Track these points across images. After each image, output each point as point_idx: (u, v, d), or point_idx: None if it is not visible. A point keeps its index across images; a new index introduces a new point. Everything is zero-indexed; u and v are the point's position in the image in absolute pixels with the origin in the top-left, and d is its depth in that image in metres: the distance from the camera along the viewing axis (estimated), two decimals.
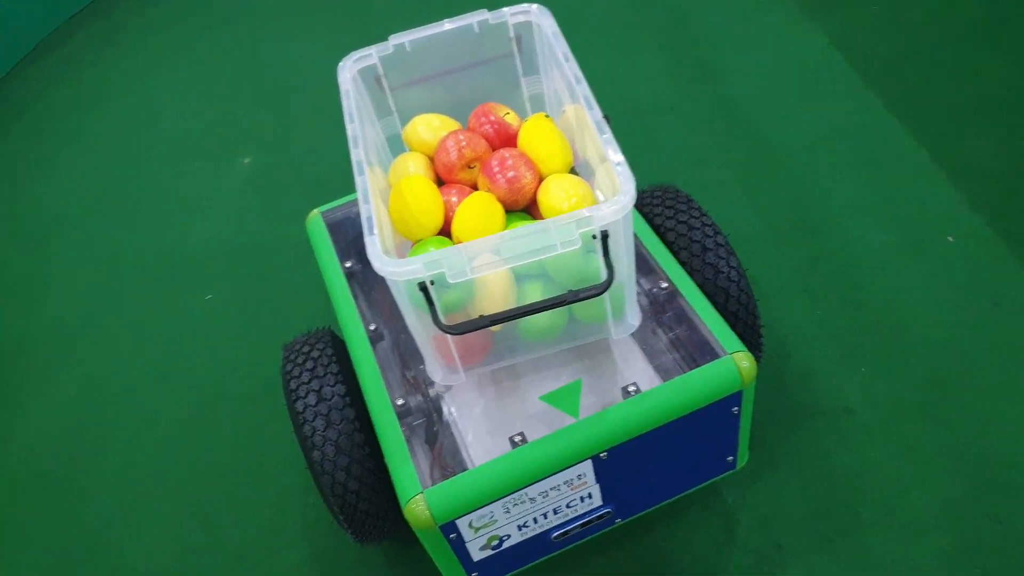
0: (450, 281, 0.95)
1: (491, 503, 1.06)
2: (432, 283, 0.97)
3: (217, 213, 2.18)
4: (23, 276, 2.13)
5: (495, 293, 1.03)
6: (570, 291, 0.97)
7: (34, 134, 2.60)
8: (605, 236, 0.96)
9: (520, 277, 1.09)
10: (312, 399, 1.23)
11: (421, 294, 0.98)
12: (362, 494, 1.22)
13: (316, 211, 1.49)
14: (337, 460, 1.20)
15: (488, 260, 0.95)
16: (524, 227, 0.95)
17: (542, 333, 1.11)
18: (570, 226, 0.94)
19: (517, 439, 1.08)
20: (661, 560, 1.36)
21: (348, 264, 1.38)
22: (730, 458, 1.25)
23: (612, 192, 1.01)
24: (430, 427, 1.16)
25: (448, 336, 1.05)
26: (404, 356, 1.24)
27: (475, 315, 1.03)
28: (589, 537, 1.24)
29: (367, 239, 0.99)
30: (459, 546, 1.10)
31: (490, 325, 0.96)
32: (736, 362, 1.10)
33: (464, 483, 1.05)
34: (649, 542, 1.38)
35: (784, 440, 1.47)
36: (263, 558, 1.47)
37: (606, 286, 0.96)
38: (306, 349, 1.32)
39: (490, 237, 0.94)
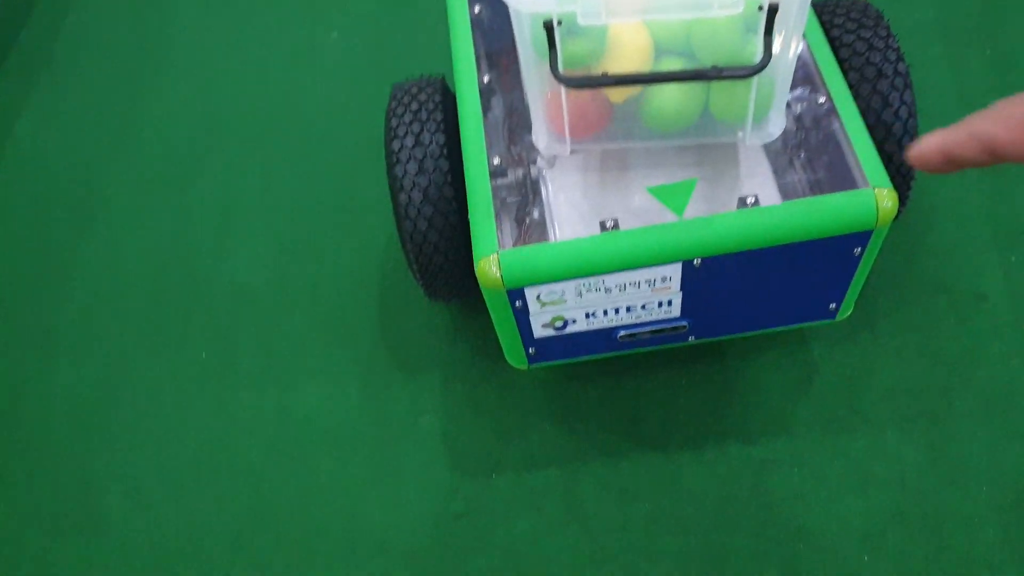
0: (581, 23, 0.83)
1: (564, 281, 1.00)
2: (560, 24, 0.85)
3: None
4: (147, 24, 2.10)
5: (628, 55, 0.91)
6: (715, 66, 0.84)
7: None
8: (773, 10, 0.81)
9: (660, 51, 0.95)
10: (409, 141, 1.18)
11: (545, 35, 0.86)
12: (440, 247, 1.19)
13: None
14: (422, 208, 1.16)
15: (629, 6, 0.82)
16: None
17: (669, 119, 0.99)
18: None
19: (609, 224, 1.00)
20: (726, 391, 1.31)
21: (477, 9, 1.27)
22: (833, 305, 1.14)
23: None
24: (523, 204, 1.09)
25: (563, 96, 0.95)
26: (512, 127, 1.15)
27: None
28: (655, 347, 1.19)
29: None
30: (523, 317, 1.07)
31: (613, 84, 0.86)
32: (877, 197, 0.96)
33: (542, 253, 0.99)
34: (718, 370, 1.32)
35: (895, 308, 1.35)
36: (333, 293, 1.50)
37: (758, 68, 0.82)
38: (415, 91, 1.25)
39: None
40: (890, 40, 1.15)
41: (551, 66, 0.87)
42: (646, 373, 1.34)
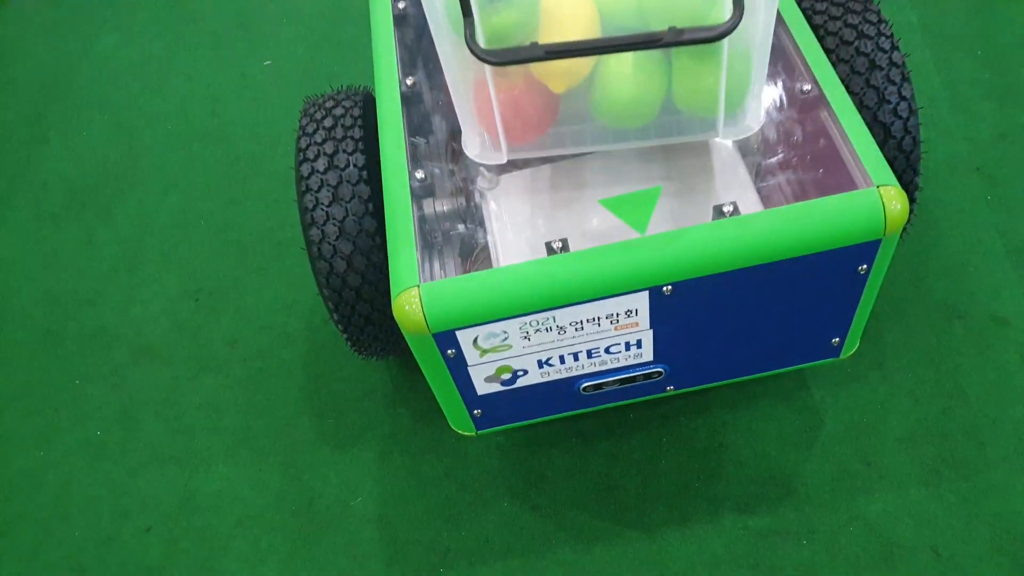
0: None
1: (505, 319, 0.80)
2: None
3: None
4: (84, 5, 1.92)
5: (568, 30, 0.73)
6: (672, 27, 0.65)
7: None
8: None
9: (608, 30, 0.77)
10: (321, 164, 0.99)
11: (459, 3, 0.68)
12: (363, 293, 0.99)
13: None
14: (338, 245, 0.96)
15: None
16: None
17: (624, 111, 0.81)
18: None
19: (557, 245, 0.81)
20: (714, 448, 1.09)
21: (402, 5, 1.09)
22: (836, 340, 0.94)
23: None
24: (458, 229, 0.91)
25: (490, 84, 0.76)
26: (455, 138, 0.97)
27: None
28: (628, 401, 0.98)
29: None
30: (458, 369, 0.86)
31: (545, 58, 0.67)
32: (883, 199, 0.78)
33: (473, 285, 0.78)
34: (703, 425, 1.11)
35: (905, 341, 1.15)
36: (252, 351, 1.28)
37: (727, 29, 0.64)
38: (330, 105, 1.06)
39: None
40: (882, 26, 0.98)
41: (467, 38, 0.68)
42: (621, 431, 1.12)
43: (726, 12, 0.67)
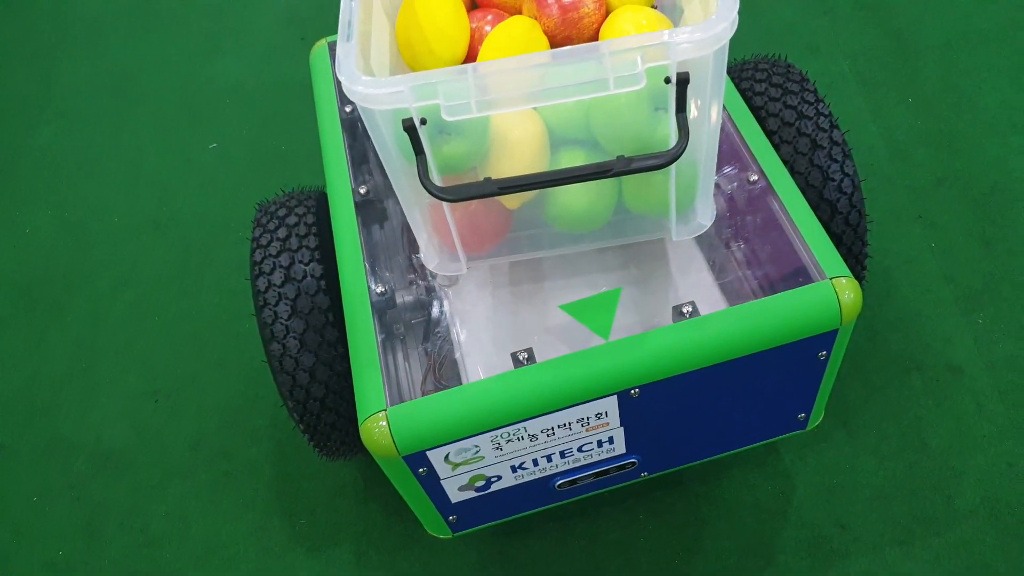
0: (446, 117, 0.65)
1: (475, 436, 0.79)
2: (424, 122, 0.67)
3: (241, 50, 1.89)
4: (21, 95, 1.89)
5: (518, 151, 0.73)
6: (621, 157, 0.66)
7: None
8: (684, 81, 0.65)
9: (557, 142, 0.79)
10: (278, 277, 0.97)
11: (408, 138, 0.68)
12: (327, 403, 0.97)
13: (324, 40, 1.19)
14: (300, 358, 0.95)
15: (506, 92, 0.65)
16: (565, 49, 0.63)
17: (577, 221, 0.82)
18: (632, 54, 0.62)
19: (522, 356, 0.81)
20: (691, 523, 1.10)
21: (349, 108, 1.09)
22: (801, 416, 0.96)
23: None
24: (423, 337, 0.90)
25: (446, 206, 0.77)
26: (412, 240, 0.97)
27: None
28: (603, 490, 0.98)
29: (340, 48, 0.69)
30: (431, 483, 0.85)
31: (498, 193, 0.67)
32: (837, 291, 0.79)
33: (441, 405, 0.78)
34: (678, 499, 1.12)
35: (867, 397, 1.18)
36: (220, 450, 1.26)
37: (674, 155, 0.65)
38: (282, 213, 1.05)
39: (512, 59, 0.64)
40: (820, 106, 1.01)
41: (419, 176, 0.68)
42: (596, 511, 1.12)
43: (672, 134, 0.68)
